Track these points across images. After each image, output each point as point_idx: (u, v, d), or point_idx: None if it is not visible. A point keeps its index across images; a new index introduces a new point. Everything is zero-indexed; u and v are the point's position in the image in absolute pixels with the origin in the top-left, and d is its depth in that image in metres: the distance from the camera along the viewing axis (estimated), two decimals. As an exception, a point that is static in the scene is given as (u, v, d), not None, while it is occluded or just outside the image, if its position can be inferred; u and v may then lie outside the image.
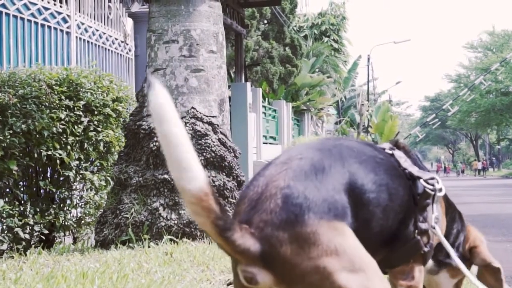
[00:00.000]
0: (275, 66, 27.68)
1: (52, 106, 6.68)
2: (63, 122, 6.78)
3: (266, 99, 24.47)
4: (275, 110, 23.34)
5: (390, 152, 2.50)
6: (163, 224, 5.83)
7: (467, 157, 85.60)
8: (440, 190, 2.45)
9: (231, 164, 6.16)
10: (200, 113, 6.15)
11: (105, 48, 13.00)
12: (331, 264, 1.89)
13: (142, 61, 13.99)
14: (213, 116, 6.25)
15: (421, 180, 2.43)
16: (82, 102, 6.99)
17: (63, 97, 6.83)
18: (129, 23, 14.29)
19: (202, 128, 6.04)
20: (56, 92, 6.78)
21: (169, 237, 5.70)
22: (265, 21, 31.20)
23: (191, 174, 1.78)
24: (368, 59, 45.73)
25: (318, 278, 1.90)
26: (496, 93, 58.19)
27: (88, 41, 12.20)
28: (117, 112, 7.56)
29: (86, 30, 12.16)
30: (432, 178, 2.45)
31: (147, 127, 6.14)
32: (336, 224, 1.95)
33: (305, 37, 38.19)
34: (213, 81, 6.32)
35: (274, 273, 1.91)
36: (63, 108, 6.80)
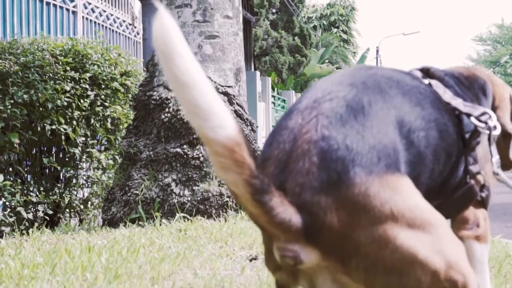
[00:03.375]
0: (284, 56, 27.38)
1: (56, 77, 6.31)
2: (68, 94, 6.40)
3: (275, 90, 24.06)
4: (284, 100, 22.95)
5: (427, 81, 2.06)
6: (176, 201, 5.42)
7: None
8: (495, 127, 2.01)
9: (248, 138, 5.71)
10: (215, 82, 5.72)
11: (113, 30, 12.61)
12: (389, 230, 1.46)
13: (150, 45, 13.60)
14: (228, 86, 5.83)
15: (472, 118, 1.99)
16: (89, 75, 6.61)
17: (68, 68, 6.45)
18: (137, 5, 13.91)
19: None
20: (60, 63, 6.40)
21: (182, 214, 5.28)
22: (274, 10, 30.89)
23: (217, 119, 1.35)
24: (377, 51, 45.29)
25: (375, 248, 1.46)
26: (506, 86, 57.59)
27: (95, 22, 11.80)
28: (126, 87, 7.18)
29: (93, 10, 11.77)
30: (484, 114, 2.01)
31: (158, 98, 5.72)
32: (389, 178, 1.52)
33: (314, 27, 37.90)
34: (229, 49, 5.88)
35: (320, 248, 1.48)
36: (68, 80, 6.42)
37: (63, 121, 6.38)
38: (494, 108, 2.30)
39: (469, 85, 2.23)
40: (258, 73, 18.75)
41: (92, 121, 6.85)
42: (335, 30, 38.72)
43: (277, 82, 25.98)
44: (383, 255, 1.46)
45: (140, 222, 5.32)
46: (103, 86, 6.86)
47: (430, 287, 1.49)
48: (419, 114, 1.79)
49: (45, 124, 6.23)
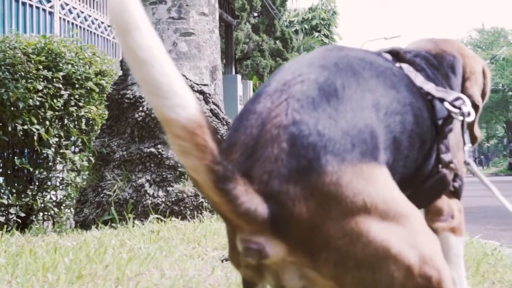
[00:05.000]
0: (266, 60, 27.33)
1: (28, 76, 6.19)
2: (40, 94, 6.28)
3: (256, 93, 23.97)
4: (265, 103, 22.87)
5: (398, 65, 1.96)
6: (149, 202, 5.29)
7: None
8: (469, 114, 1.91)
9: (224, 138, 5.59)
10: (190, 81, 5.61)
11: (91, 31, 12.47)
12: (362, 223, 1.35)
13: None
14: (204, 85, 5.71)
15: (446, 103, 1.89)
16: (62, 74, 6.50)
17: (40, 67, 6.33)
18: (115, 6, 13.76)
19: (191, 97, 5.50)
20: (33, 61, 6.27)
21: (156, 216, 5.15)
22: (256, 14, 30.86)
23: (178, 99, 1.22)
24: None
25: (346, 241, 1.34)
26: (486, 90, 58.02)
27: (72, 23, 11.65)
28: (101, 87, 7.05)
29: (70, 11, 11.63)
30: (458, 99, 1.91)
31: (132, 96, 5.59)
32: (363, 167, 1.40)
33: (296, 31, 37.90)
34: (205, 46, 5.77)
35: (288, 241, 1.36)
36: (41, 79, 6.30)
37: (35, 121, 6.26)
38: (464, 81, 2.21)
39: (438, 64, 2.14)
40: (239, 76, 18.66)
41: (66, 121, 6.73)
42: (316, 34, 38.72)
43: (259, 86, 25.95)
44: (355, 249, 1.36)
45: (113, 224, 5.18)
46: (77, 85, 6.75)
47: (404, 283, 1.39)
48: (394, 97, 1.68)
49: (16, 124, 6.10)
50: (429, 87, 1.92)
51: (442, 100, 1.90)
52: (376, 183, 1.41)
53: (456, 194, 2.02)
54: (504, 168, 51.82)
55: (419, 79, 1.93)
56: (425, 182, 1.91)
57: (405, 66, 1.98)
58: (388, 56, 2.03)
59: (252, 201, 1.33)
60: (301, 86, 1.49)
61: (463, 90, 2.21)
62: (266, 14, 29.92)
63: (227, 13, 18.77)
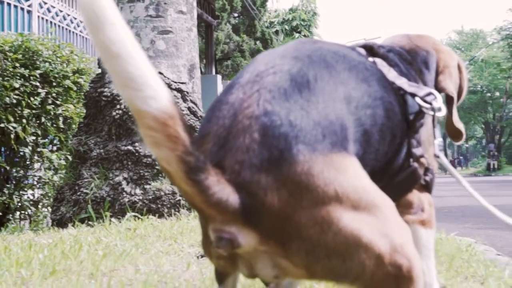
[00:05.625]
0: (246, 60, 27.31)
1: (5, 73, 6.13)
2: (17, 92, 6.22)
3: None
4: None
5: (371, 59, 1.98)
6: (127, 200, 5.27)
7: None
8: (440, 109, 1.93)
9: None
10: (168, 78, 5.59)
11: (70, 31, 12.39)
12: (333, 212, 1.36)
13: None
14: (182, 83, 5.70)
15: (417, 98, 1.91)
16: (39, 72, 6.45)
17: (17, 65, 6.28)
18: (94, 5, 13.70)
19: (169, 95, 5.48)
20: (10, 59, 6.22)
21: (133, 214, 5.14)
22: (236, 14, 30.84)
23: (149, 91, 1.23)
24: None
25: (317, 230, 1.35)
26: (465, 91, 58.42)
27: (51, 22, 11.58)
28: (78, 85, 7.01)
29: (49, 10, 11.55)
30: (429, 94, 1.93)
31: (109, 94, 5.57)
32: (334, 157, 1.42)
33: (276, 32, 37.92)
34: (183, 45, 5.76)
35: (259, 230, 1.37)
36: (18, 77, 6.25)
37: (12, 119, 6.21)
38: (437, 75, 2.23)
39: (412, 60, 2.16)
40: (219, 77, 18.63)
41: (43, 119, 6.68)
42: (297, 35, 38.76)
43: (239, 86, 25.96)
44: (326, 237, 1.37)
45: (90, 222, 5.16)
46: (54, 83, 6.71)
47: (374, 271, 1.40)
48: (366, 91, 1.70)
49: (-8, 122, 6.04)
50: (401, 82, 1.93)
51: (413, 95, 1.92)
52: (346, 173, 1.42)
53: (427, 187, 2.03)
54: (482, 169, 52.21)
55: (391, 74, 1.95)
56: (396, 175, 1.92)
57: (378, 61, 1.99)
58: (362, 51, 2.05)
59: (224, 191, 1.34)
60: (274, 77, 1.50)
61: (437, 84, 2.23)
62: (246, 14, 29.91)
63: (207, 13, 18.75)
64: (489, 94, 57.83)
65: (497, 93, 57.25)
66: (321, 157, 1.38)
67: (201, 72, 20.06)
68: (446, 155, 71.97)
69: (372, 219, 1.41)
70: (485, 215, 10.76)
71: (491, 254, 4.14)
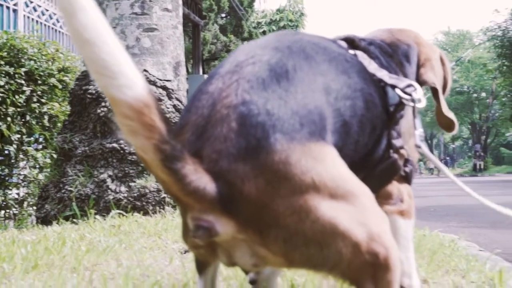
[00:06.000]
0: (233, 60, 27.26)
1: (-11, 71, 6.09)
2: (2, 90, 6.20)
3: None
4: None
5: (352, 52, 1.99)
6: (111, 197, 5.26)
7: (422, 156, 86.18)
8: (420, 100, 1.95)
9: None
10: (153, 76, 5.59)
11: (55, 30, 12.35)
12: (310, 200, 1.37)
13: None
14: (167, 80, 5.70)
15: (397, 89, 1.93)
16: (24, 70, 6.43)
17: (2, 63, 6.26)
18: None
19: (155, 92, 5.49)
20: (-6, 57, 6.19)
21: (118, 211, 5.13)
22: (223, 15, 30.83)
23: (125, 79, 1.24)
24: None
25: (295, 219, 1.36)
26: (452, 92, 58.77)
27: (37, 21, 11.54)
28: (64, 83, 6.99)
29: (34, 9, 11.51)
30: (409, 86, 1.95)
31: (94, 91, 5.56)
32: (312, 146, 1.42)
33: (264, 33, 37.86)
34: (168, 42, 5.76)
35: (237, 219, 1.38)
36: (3, 75, 6.22)
37: (-4, 117, 6.18)
38: (418, 68, 2.25)
39: (392, 53, 2.18)
40: (206, 76, 18.62)
41: (28, 118, 6.66)
42: (284, 35, 38.78)
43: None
44: (303, 226, 1.37)
45: (74, 220, 5.14)
46: (39, 81, 6.69)
47: (351, 259, 1.41)
48: (345, 82, 1.71)
49: (-23, 120, 6.02)
50: (382, 74, 1.95)
51: (394, 87, 1.93)
52: (324, 162, 1.42)
53: (407, 179, 2.05)
54: (469, 169, 52.48)
55: (372, 66, 1.96)
56: (376, 166, 1.94)
57: (359, 53, 2.01)
58: (343, 44, 2.06)
59: (201, 179, 1.35)
60: (253, 67, 1.51)
61: (418, 76, 2.25)
62: (233, 15, 29.91)
63: (194, 13, 18.72)
64: (475, 95, 58.21)
65: (483, 94, 57.65)
66: (298, 146, 1.39)
67: (188, 72, 20.04)
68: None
69: (349, 208, 1.42)
70: (470, 214, 10.83)
71: (474, 250, 4.17)
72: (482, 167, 47.71)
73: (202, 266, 1.83)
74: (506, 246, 6.09)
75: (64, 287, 2.41)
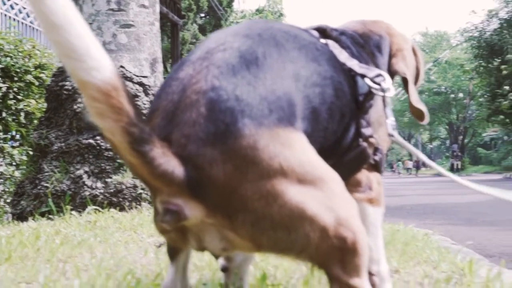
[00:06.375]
0: (212, 60, 27.26)
1: (-36, 67, 6.05)
2: (-23, 86, 6.14)
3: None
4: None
5: (324, 41, 2.02)
6: (88, 193, 5.25)
7: (400, 156, 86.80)
8: (389, 90, 1.98)
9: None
10: (130, 72, 5.59)
11: (33, 28, 12.27)
12: (278, 185, 1.39)
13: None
14: (144, 76, 5.69)
15: (366, 79, 1.95)
16: (0, 66, 6.38)
17: (-23, 59, 6.19)
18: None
19: (132, 89, 5.48)
20: (-31, 53, 6.15)
21: (94, 207, 5.11)
22: (202, 14, 30.79)
23: (93, 62, 1.25)
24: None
25: (262, 203, 1.38)
26: (429, 92, 59.23)
27: (14, 19, 11.46)
28: (40, 80, 6.95)
29: (12, 7, 11.43)
30: (379, 75, 1.97)
31: (70, 88, 5.54)
32: (280, 132, 1.44)
33: (243, 33, 37.93)
34: (145, 38, 5.76)
35: (206, 203, 1.40)
36: (-22, 71, 6.17)
37: (-29, 113, 6.14)
38: (390, 58, 2.28)
39: (364, 43, 2.20)
40: (184, 76, 18.56)
41: (4, 114, 6.61)
42: (263, 35, 38.85)
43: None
44: (271, 210, 1.39)
45: (50, 216, 5.12)
46: (16, 78, 6.64)
47: (319, 244, 1.43)
48: (315, 70, 1.72)
49: (-48, 117, 5.97)
50: (352, 63, 1.97)
51: (363, 76, 1.96)
52: (293, 148, 1.44)
53: (376, 167, 2.07)
54: (446, 169, 52.77)
55: (343, 56, 1.98)
56: (345, 154, 1.96)
57: (330, 42, 2.03)
58: (315, 33, 2.08)
59: (169, 163, 1.36)
60: (223, 54, 1.53)
61: (390, 66, 2.27)
62: (213, 14, 29.91)
63: (173, 13, 18.66)
64: (452, 95, 58.62)
65: (461, 94, 58.08)
66: (267, 131, 1.40)
67: (167, 72, 19.97)
68: (410, 156, 72.59)
69: (317, 193, 1.44)
70: (446, 212, 10.94)
71: (446, 243, 4.23)
72: (459, 167, 48.13)
73: (173, 253, 1.85)
74: (479, 242, 6.18)
75: (37, 278, 2.41)
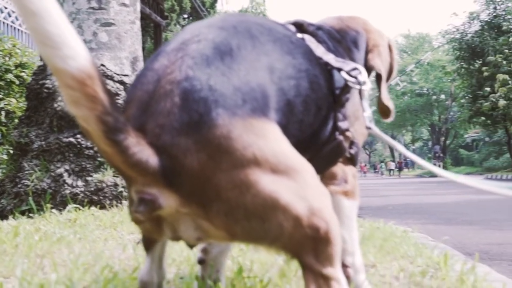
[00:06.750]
0: (195, 60, 27.24)
1: None
2: (-44, 84, 6.11)
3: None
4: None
5: (300, 36, 2.04)
6: (68, 191, 5.24)
7: (383, 157, 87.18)
8: (365, 83, 2.00)
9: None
10: (111, 71, 5.58)
11: (14, 27, 12.22)
12: (251, 175, 1.40)
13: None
14: (125, 75, 5.69)
15: (343, 72, 1.98)
16: (-20, 65, 6.33)
17: (-43, 57, 6.16)
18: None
19: (112, 87, 5.48)
20: (-51, 51, 6.11)
21: (75, 205, 5.10)
22: (185, 15, 30.76)
23: (69, 50, 1.26)
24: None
25: (236, 192, 1.40)
26: (411, 94, 59.50)
27: (-6, 18, 11.39)
28: (21, 79, 6.93)
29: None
30: (354, 69, 1.99)
31: (51, 86, 5.53)
32: (254, 122, 1.45)
33: (226, 34, 37.95)
34: (125, 37, 5.76)
35: (180, 192, 1.42)
36: (-43, 70, 6.13)
37: (-49, 112, 6.10)
38: (367, 53, 2.30)
39: (341, 38, 2.22)
40: (168, 76, 18.52)
41: (-16, 113, 6.58)
42: (246, 36, 38.92)
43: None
44: (244, 200, 1.41)
45: (31, 214, 5.10)
46: (-4, 77, 6.61)
47: (292, 233, 1.45)
48: (290, 63, 1.74)
49: None
50: (329, 57, 1.99)
51: (339, 70, 1.98)
52: (266, 138, 1.45)
53: (352, 160, 2.09)
54: (428, 170, 53.08)
55: (319, 50, 2.00)
56: (322, 148, 1.98)
57: (307, 37, 2.05)
58: (292, 27, 2.10)
59: (143, 152, 1.37)
60: (198, 45, 1.54)
61: (366, 61, 2.30)
62: (196, 15, 29.88)
63: (156, 14, 18.60)
64: (434, 97, 58.93)
65: (443, 96, 58.37)
66: (240, 121, 1.42)
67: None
68: (393, 157, 72.94)
69: (291, 183, 1.46)
70: (427, 212, 11.01)
71: (424, 240, 4.27)
72: (441, 168, 48.40)
73: (149, 244, 1.86)
74: (459, 240, 6.24)
75: (14, 272, 2.42)
